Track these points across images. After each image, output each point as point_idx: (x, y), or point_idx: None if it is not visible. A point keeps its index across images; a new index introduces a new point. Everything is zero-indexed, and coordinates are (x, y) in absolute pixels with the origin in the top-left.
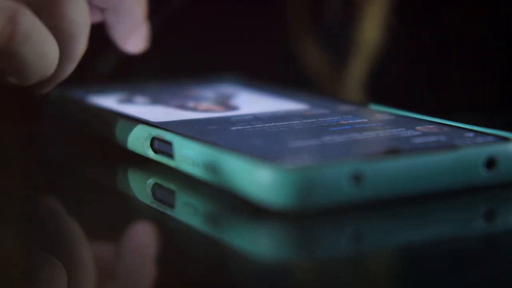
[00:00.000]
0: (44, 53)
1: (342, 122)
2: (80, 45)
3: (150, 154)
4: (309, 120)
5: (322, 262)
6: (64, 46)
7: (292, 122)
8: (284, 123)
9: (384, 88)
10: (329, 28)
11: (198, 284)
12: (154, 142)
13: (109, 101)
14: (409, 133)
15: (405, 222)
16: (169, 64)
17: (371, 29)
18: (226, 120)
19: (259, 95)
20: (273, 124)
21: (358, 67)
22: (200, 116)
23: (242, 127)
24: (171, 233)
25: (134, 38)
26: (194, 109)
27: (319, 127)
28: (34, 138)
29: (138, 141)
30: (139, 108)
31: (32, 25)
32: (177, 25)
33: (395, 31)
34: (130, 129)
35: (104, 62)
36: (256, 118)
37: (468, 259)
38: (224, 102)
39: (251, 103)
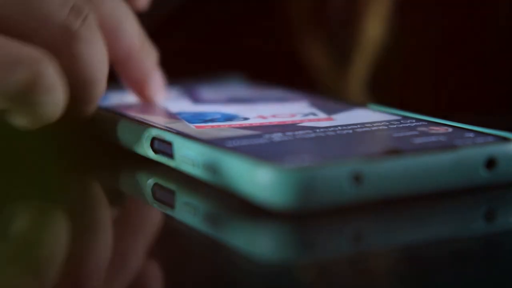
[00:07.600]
0: (59, 102)
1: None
2: (97, 89)
3: (150, 154)
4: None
5: (322, 262)
6: (80, 89)
7: (293, 122)
8: (286, 119)
9: (385, 86)
10: (332, 25)
11: (198, 284)
12: (154, 142)
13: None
14: (409, 133)
15: (405, 222)
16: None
17: (375, 26)
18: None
19: (262, 94)
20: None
21: (361, 64)
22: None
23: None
24: (171, 233)
25: (147, 87)
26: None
27: (319, 127)
28: (33, 139)
29: (138, 141)
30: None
31: (55, 79)
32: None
33: (398, 29)
34: (130, 129)
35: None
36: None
37: (468, 259)
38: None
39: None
